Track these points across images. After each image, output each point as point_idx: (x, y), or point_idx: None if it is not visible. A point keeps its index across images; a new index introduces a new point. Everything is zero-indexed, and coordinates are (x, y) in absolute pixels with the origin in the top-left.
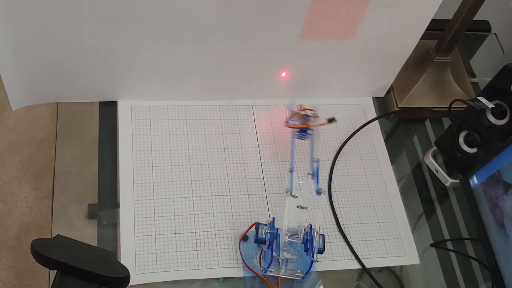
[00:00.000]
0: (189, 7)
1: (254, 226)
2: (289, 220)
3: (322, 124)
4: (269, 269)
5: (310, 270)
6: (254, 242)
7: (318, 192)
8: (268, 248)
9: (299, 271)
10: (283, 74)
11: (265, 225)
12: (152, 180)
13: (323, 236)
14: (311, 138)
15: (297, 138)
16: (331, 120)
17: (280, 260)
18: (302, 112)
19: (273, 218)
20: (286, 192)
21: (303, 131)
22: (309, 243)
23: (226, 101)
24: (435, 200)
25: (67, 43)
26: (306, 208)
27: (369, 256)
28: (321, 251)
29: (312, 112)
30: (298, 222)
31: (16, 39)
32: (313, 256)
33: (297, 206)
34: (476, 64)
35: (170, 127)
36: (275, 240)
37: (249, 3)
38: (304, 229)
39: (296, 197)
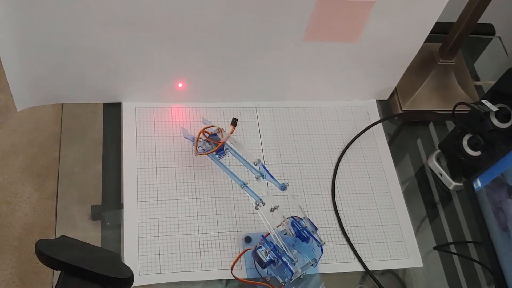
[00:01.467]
0: (193, 10)
1: (251, 253)
2: (272, 227)
3: (232, 132)
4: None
5: (311, 273)
6: (263, 268)
7: (283, 188)
8: (279, 262)
9: (309, 261)
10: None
11: (260, 248)
12: (155, 181)
13: (308, 218)
14: (231, 150)
15: (220, 158)
16: (234, 123)
17: (295, 263)
18: (206, 134)
19: (262, 236)
20: (257, 206)
21: (220, 150)
22: (304, 231)
23: (229, 103)
24: (439, 203)
25: (72, 44)
26: (278, 206)
27: (372, 258)
28: (316, 229)
29: (214, 128)
30: (280, 222)
31: (21, 40)
32: (318, 241)
33: (271, 210)
34: (480, 67)
35: (174, 129)
36: (277, 252)
37: (253, 7)
38: (291, 223)
39: (264, 203)
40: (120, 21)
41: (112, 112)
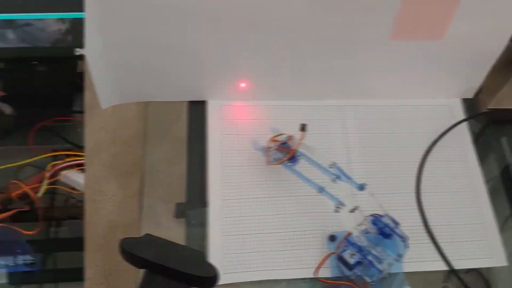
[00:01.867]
0: (278, 8)
1: (335, 257)
2: (354, 227)
3: (302, 138)
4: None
5: (395, 271)
6: (351, 270)
7: (361, 188)
8: (365, 262)
9: (393, 256)
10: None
11: (345, 250)
12: (239, 179)
13: (389, 215)
14: (304, 156)
15: (293, 165)
16: (303, 128)
17: (381, 262)
18: (276, 143)
19: (346, 239)
20: (337, 209)
21: (292, 158)
22: (387, 228)
23: (315, 101)
24: None
25: (158, 42)
26: (358, 206)
27: (456, 257)
28: (399, 224)
29: (283, 136)
30: (361, 221)
31: (107, 38)
32: (402, 237)
33: (351, 211)
34: None
35: (258, 127)
36: (362, 252)
37: (339, 5)
38: (372, 222)
39: (345, 205)
40: (208, 19)
41: (197, 110)
